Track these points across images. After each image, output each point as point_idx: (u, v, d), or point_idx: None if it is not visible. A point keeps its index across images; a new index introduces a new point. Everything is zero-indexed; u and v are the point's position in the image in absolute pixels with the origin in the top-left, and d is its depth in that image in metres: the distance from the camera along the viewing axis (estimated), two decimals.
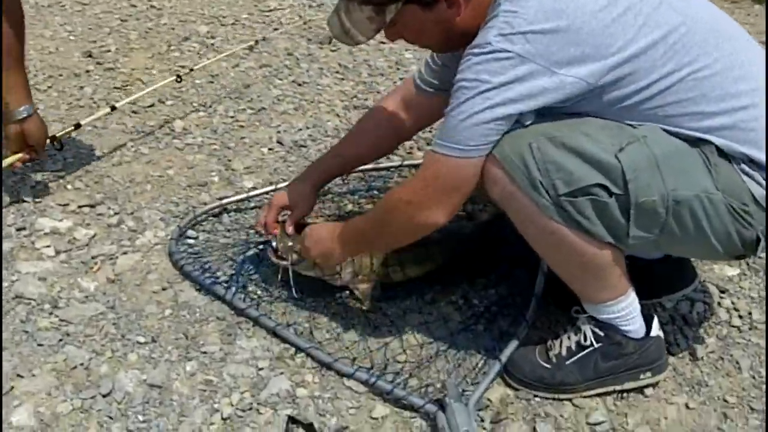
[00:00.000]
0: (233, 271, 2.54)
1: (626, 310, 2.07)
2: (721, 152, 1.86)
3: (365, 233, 2.15)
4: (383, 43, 4.49)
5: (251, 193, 2.94)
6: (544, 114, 1.85)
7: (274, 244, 2.39)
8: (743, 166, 1.87)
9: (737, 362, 2.27)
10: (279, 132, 3.51)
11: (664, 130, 1.87)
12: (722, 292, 2.56)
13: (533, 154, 1.82)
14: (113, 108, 3.21)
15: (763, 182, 1.87)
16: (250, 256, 2.63)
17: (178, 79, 3.49)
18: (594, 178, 1.80)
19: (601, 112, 1.88)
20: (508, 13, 1.80)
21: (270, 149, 3.36)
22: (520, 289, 2.47)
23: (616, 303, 2.05)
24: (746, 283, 2.60)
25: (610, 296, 2.04)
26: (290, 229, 2.40)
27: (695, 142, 1.86)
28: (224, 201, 2.89)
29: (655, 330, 2.12)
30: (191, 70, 3.67)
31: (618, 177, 1.79)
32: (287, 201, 2.46)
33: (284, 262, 2.35)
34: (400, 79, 4.09)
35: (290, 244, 2.35)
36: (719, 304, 2.50)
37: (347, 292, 2.44)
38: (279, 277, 2.42)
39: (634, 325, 2.09)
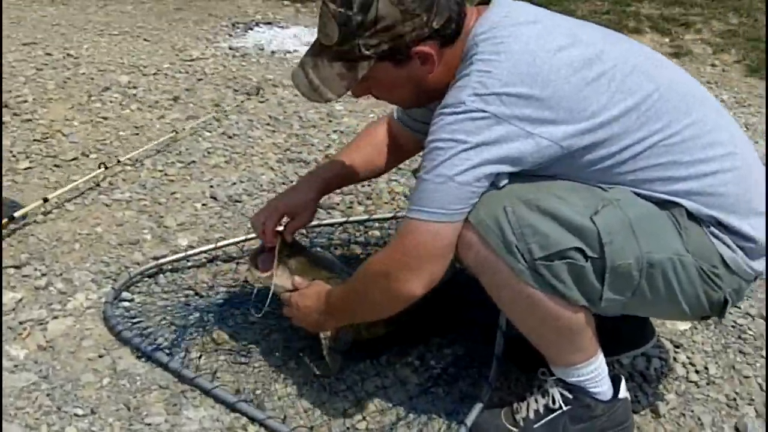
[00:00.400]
0: (174, 336, 2.41)
1: (595, 372, 2.03)
2: (691, 215, 1.86)
3: (347, 305, 2.08)
4: None
5: (189, 252, 2.82)
6: (516, 175, 1.81)
7: (260, 257, 2.32)
8: (712, 229, 1.87)
9: (699, 418, 2.25)
10: (212, 186, 3.40)
11: (635, 193, 1.85)
12: (677, 347, 2.54)
13: (508, 217, 1.77)
14: (45, 200, 3.06)
15: (732, 245, 1.87)
16: (191, 319, 2.51)
17: (104, 167, 3.35)
18: (570, 242, 1.76)
19: (572, 174, 1.85)
20: (481, 73, 1.76)
21: (204, 204, 3.25)
22: (477, 349, 2.40)
23: (587, 365, 2.01)
24: (698, 337, 2.59)
25: (581, 359, 2.00)
26: (289, 238, 2.32)
27: (665, 205, 1.85)
28: (161, 261, 2.76)
29: (623, 392, 2.08)
30: (118, 161, 3.49)
31: (594, 240, 1.76)
32: (288, 208, 2.35)
33: (266, 276, 2.28)
34: (333, 131, 4.03)
35: (278, 282, 2.27)
36: (675, 359, 2.48)
37: (300, 354, 2.35)
38: (254, 291, 2.40)
39: (603, 387, 2.05)
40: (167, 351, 2.33)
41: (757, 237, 1.88)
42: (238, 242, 2.87)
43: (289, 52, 5.43)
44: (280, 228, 2.33)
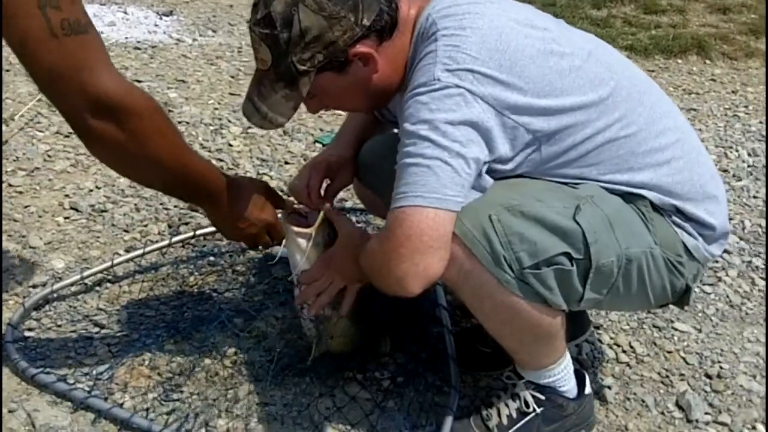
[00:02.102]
0: (99, 371, 2.20)
1: (565, 371, 2.03)
2: (654, 206, 1.87)
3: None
4: (138, 81, 4.14)
5: (85, 273, 2.55)
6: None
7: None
8: (674, 218, 1.89)
9: (642, 400, 2.29)
10: (68, 196, 3.09)
11: (601, 187, 1.84)
12: (597, 328, 2.57)
13: (494, 227, 1.71)
14: None
15: (693, 232, 1.90)
16: (108, 350, 2.29)
17: None
18: (558, 247, 1.72)
19: (540, 169, 1.83)
20: (449, 47, 1.69)
21: (66, 218, 2.95)
22: (416, 352, 2.35)
23: (558, 365, 2.01)
24: (613, 315, 2.63)
25: (553, 360, 2.00)
26: (331, 202, 2.20)
27: (629, 198, 1.85)
28: (56, 287, 2.48)
29: (588, 387, 2.10)
30: None
31: (579, 241, 1.73)
32: (330, 166, 2.21)
33: (307, 232, 2.03)
34: (179, 122, 3.77)
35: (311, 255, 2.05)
36: (600, 341, 2.52)
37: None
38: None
39: (571, 384, 2.06)
40: (87, 390, 2.11)
41: (713, 223, 1.92)
42: (139, 255, 2.65)
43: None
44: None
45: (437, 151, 1.63)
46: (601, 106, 1.79)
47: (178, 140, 1.77)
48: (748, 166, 3.88)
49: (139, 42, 4.75)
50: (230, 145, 3.57)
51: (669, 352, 2.50)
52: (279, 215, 2.09)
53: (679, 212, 1.89)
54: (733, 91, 4.96)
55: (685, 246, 1.89)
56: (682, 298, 1.96)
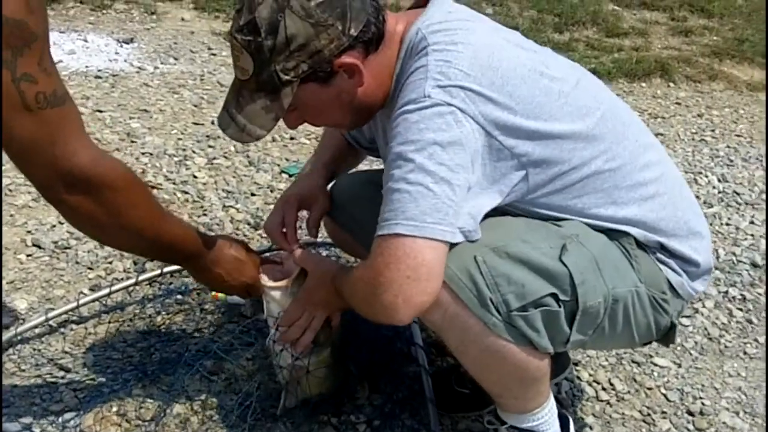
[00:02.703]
0: (66, 418, 2.10)
1: (548, 414, 1.98)
2: (638, 243, 1.83)
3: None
4: (100, 111, 4.05)
5: (50, 315, 2.44)
6: None
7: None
8: (658, 254, 1.86)
9: None
10: (30, 232, 2.98)
11: (584, 223, 1.80)
12: (576, 364, 2.52)
13: (480, 268, 1.65)
14: None
15: (678, 269, 1.87)
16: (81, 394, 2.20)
17: None
18: (545, 289, 1.68)
19: (524, 202, 1.77)
20: (440, 62, 1.63)
21: (29, 255, 2.84)
22: (392, 395, 2.28)
23: (542, 409, 1.95)
24: (592, 351, 2.58)
25: (537, 404, 1.94)
26: (314, 233, 2.21)
27: (613, 235, 1.81)
28: (20, 329, 2.37)
29: (572, 430, 2.04)
30: None
31: (566, 283, 1.68)
32: (302, 197, 2.16)
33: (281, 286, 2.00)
34: (142, 154, 3.67)
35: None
36: (579, 378, 2.47)
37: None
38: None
39: (554, 428, 2.00)
40: None
41: (698, 260, 1.89)
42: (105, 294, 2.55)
43: None
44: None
45: (420, 176, 1.57)
46: (587, 137, 1.75)
47: (153, 210, 1.73)
48: (719, 192, 3.86)
49: (99, 70, 4.65)
50: (195, 177, 3.49)
51: (649, 389, 2.45)
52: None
53: (664, 249, 1.85)
54: (698, 115, 4.96)
55: (670, 283, 1.85)
56: (666, 335, 1.92)
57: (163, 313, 2.57)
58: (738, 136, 4.65)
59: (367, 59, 1.71)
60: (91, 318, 2.53)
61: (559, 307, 1.69)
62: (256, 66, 1.65)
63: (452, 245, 1.63)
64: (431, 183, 1.56)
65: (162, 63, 4.95)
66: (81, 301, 2.48)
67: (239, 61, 1.68)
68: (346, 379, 2.25)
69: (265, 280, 2.01)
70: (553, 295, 1.68)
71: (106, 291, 2.53)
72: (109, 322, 2.50)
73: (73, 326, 2.48)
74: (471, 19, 1.77)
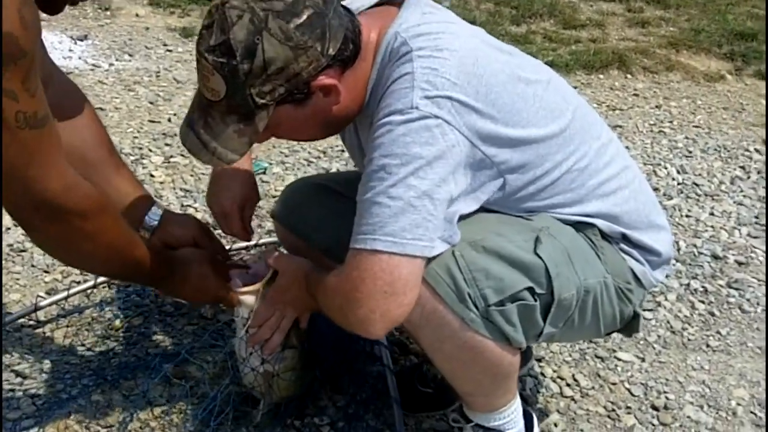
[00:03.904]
0: (24, 426, 2.05)
1: (515, 413, 1.98)
2: (603, 234, 1.84)
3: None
4: None
5: (6, 319, 2.40)
6: None
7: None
8: (621, 245, 1.87)
9: None
10: None
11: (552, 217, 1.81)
12: (539, 360, 2.51)
13: (458, 263, 1.64)
14: None
15: (641, 258, 1.88)
16: (39, 401, 2.14)
17: None
18: (522, 282, 1.67)
19: (497, 204, 1.76)
20: (427, 70, 1.59)
21: None
22: (355, 396, 2.27)
23: (509, 407, 1.95)
24: (554, 346, 2.58)
25: (506, 401, 1.94)
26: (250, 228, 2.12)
27: (578, 227, 1.82)
28: None
29: (536, 428, 2.04)
30: None
31: (541, 276, 1.68)
32: (233, 200, 2.07)
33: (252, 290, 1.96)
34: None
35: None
36: (543, 374, 2.46)
37: None
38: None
39: (518, 426, 2.00)
40: None
41: (659, 249, 1.90)
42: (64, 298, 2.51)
43: None
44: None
45: (402, 191, 1.54)
46: (559, 139, 1.75)
47: (122, 236, 1.70)
48: (678, 184, 3.87)
49: None
50: (152, 176, 3.44)
51: (614, 384, 2.45)
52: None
53: (626, 239, 1.86)
54: (656, 106, 4.97)
55: (633, 272, 1.87)
56: (629, 325, 1.94)
57: (122, 316, 2.53)
58: (696, 126, 4.67)
59: (344, 75, 1.66)
60: (48, 322, 2.48)
61: (535, 300, 1.69)
62: (229, 89, 1.57)
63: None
64: (413, 198, 1.53)
65: (117, 60, 4.88)
66: (38, 305, 2.43)
67: (209, 82, 1.59)
68: (311, 381, 2.21)
69: (235, 285, 1.98)
70: (530, 289, 1.67)
71: (63, 294, 2.49)
72: (67, 326, 2.46)
73: (30, 331, 2.43)
74: (449, 21, 1.74)
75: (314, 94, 1.63)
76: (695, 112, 4.94)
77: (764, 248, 3.28)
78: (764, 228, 3.44)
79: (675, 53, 5.98)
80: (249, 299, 1.96)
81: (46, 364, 2.30)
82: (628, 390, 2.43)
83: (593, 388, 2.43)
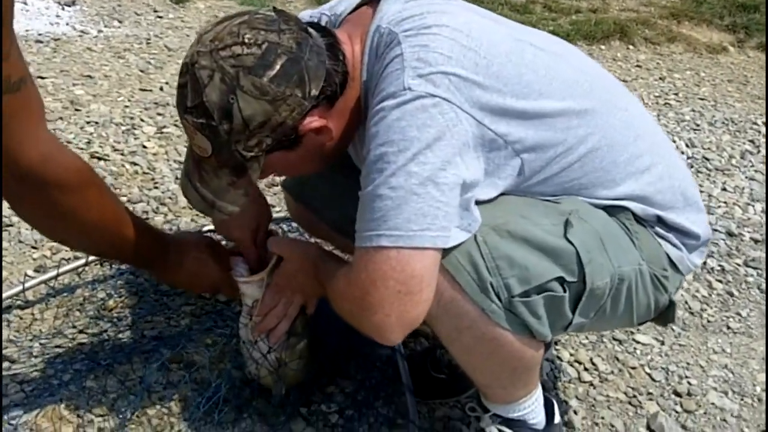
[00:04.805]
0: (13, 415, 1.91)
1: (536, 403, 1.86)
2: (636, 218, 1.70)
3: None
4: (41, 78, 3.81)
5: None
6: None
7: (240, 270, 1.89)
8: (656, 228, 1.73)
9: (611, 425, 2.13)
10: None
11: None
12: (556, 343, 2.39)
13: (480, 249, 1.50)
14: None
15: (677, 242, 1.75)
16: (28, 387, 2.01)
17: None
18: (551, 272, 1.53)
19: (519, 189, 1.63)
20: (416, 48, 1.46)
21: None
22: (364, 382, 2.14)
23: (529, 398, 1.83)
24: None
25: (527, 392, 1.82)
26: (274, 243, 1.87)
27: (610, 210, 1.68)
28: None
29: (557, 416, 1.93)
30: None
31: (572, 263, 1.54)
32: (245, 226, 1.92)
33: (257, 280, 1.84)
34: (87, 122, 3.45)
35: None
36: (560, 358, 2.34)
37: None
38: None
39: (540, 415, 1.89)
40: None
41: (697, 231, 1.77)
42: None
43: None
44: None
45: (402, 179, 1.41)
46: (580, 112, 1.61)
47: (108, 213, 1.60)
48: (688, 158, 3.76)
49: (40, 34, 4.41)
50: (144, 147, 3.29)
51: (633, 368, 2.34)
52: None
53: (662, 222, 1.73)
54: (660, 78, 4.86)
55: (669, 258, 1.73)
56: (663, 313, 1.80)
57: (116, 296, 2.38)
58: (702, 99, 4.56)
59: (334, 107, 1.55)
60: (37, 302, 2.33)
61: (564, 291, 1.55)
62: (215, 147, 1.50)
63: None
64: (415, 185, 1.40)
65: (106, 26, 4.73)
66: (27, 285, 2.30)
67: (195, 140, 1.52)
68: (320, 368, 2.09)
69: (237, 274, 1.86)
70: (559, 279, 1.54)
71: (53, 273, 2.35)
72: (57, 307, 2.32)
73: (18, 312, 2.29)
74: (437, 2, 1.61)
75: (305, 136, 1.53)
76: (699, 84, 4.83)
77: None
78: None
79: (676, 24, 5.87)
80: (252, 289, 1.85)
81: (36, 348, 2.16)
82: (649, 375, 2.32)
83: (612, 372, 2.32)
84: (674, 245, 1.74)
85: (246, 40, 1.44)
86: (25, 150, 1.35)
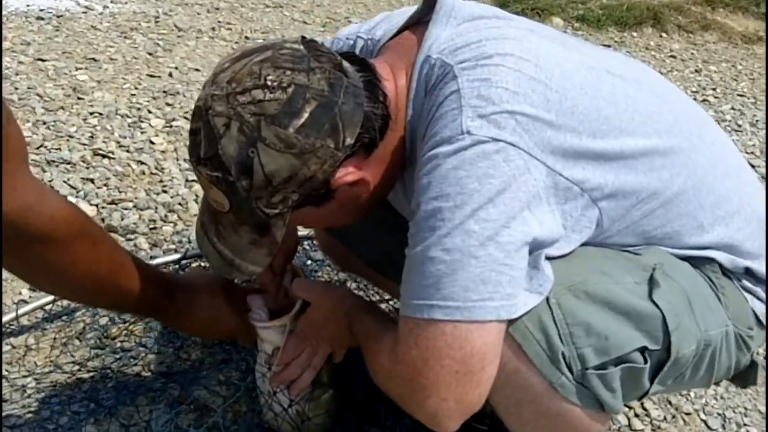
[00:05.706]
0: None
1: None
2: (723, 270, 1.48)
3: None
4: (42, 60, 3.58)
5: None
6: None
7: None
8: (744, 281, 1.51)
9: None
10: None
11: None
12: None
13: (553, 314, 1.29)
14: None
15: (762, 296, 1.52)
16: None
17: None
18: (634, 341, 1.32)
19: (595, 243, 1.40)
20: (476, 82, 1.25)
21: None
22: (391, 429, 1.93)
23: None
24: None
25: None
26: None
27: (694, 262, 1.46)
28: None
29: None
30: None
31: (657, 329, 1.33)
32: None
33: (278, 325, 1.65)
34: (90, 114, 3.21)
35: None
36: None
37: None
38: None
39: None
40: None
41: None
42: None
43: None
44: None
45: (460, 240, 1.20)
46: (665, 151, 1.38)
47: (102, 267, 1.42)
48: None
49: (42, 10, 4.18)
50: (152, 143, 3.05)
51: (687, 414, 2.13)
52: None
53: (749, 274, 1.51)
54: (696, 70, 4.63)
55: (755, 314, 1.51)
56: (743, 374, 1.58)
57: (119, 322, 2.16)
58: (741, 95, 4.32)
59: (372, 155, 1.34)
60: (31, 328, 2.11)
61: (645, 362, 1.34)
62: (233, 203, 1.31)
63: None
64: (474, 247, 1.20)
65: (112, 2, 4.51)
66: (20, 311, 2.08)
67: (210, 193, 1.34)
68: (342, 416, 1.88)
69: (255, 317, 1.65)
70: (641, 348, 1.33)
71: (50, 298, 2.12)
72: (54, 335, 2.09)
73: (11, 340, 2.07)
74: (488, 17, 1.41)
75: (337, 189, 1.32)
76: (737, 78, 4.60)
77: None
78: None
79: (711, 11, 5.62)
80: (273, 335, 1.65)
81: (29, 384, 1.94)
82: (704, 422, 2.11)
83: (665, 419, 2.10)
84: (760, 299, 1.53)
85: (269, 83, 1.22)
86: (11, 206, 1.17)
